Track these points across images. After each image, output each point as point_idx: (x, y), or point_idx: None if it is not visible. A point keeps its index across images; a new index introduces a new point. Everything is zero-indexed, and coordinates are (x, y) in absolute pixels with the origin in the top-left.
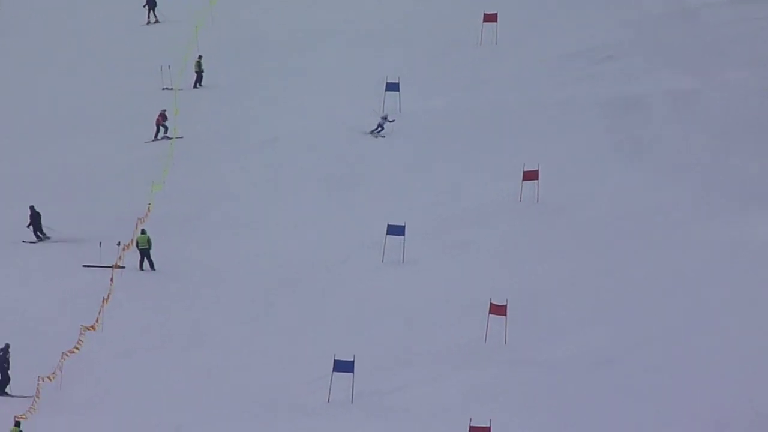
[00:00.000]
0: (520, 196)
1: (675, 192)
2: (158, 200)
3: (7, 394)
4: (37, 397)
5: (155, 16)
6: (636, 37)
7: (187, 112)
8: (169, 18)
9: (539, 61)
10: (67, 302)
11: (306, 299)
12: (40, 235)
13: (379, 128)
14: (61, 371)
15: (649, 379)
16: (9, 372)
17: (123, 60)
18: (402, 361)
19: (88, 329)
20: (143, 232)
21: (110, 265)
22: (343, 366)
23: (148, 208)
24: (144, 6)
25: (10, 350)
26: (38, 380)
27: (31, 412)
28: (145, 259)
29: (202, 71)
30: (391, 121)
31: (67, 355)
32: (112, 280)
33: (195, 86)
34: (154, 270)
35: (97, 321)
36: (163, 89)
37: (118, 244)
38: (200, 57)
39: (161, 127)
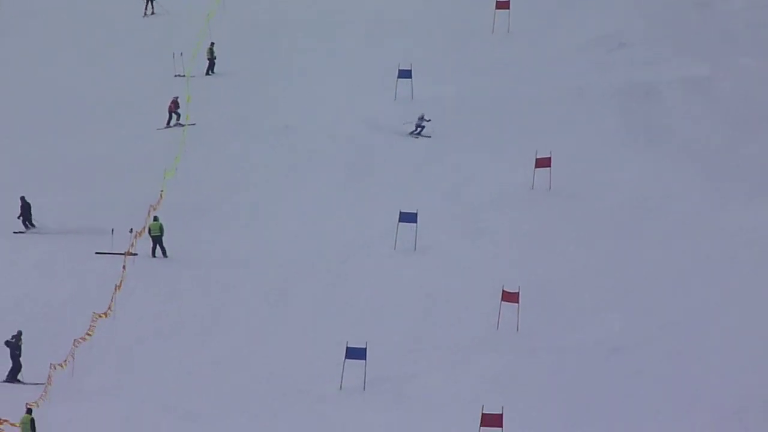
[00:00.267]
0: (532, 184)
1: (688, 179)
2: (171, 187)
3: (19, 381)
4: (49, 385)
5: (152, 8)
6: (649, 25)
7: (199, 99)
8: (181, 5)
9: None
10: (79, 289)
11: (319, 287)
12: (29, 225)
13: (419, 129)
14: (73, 358)
15: (662, 367)
16: (21, 359)
17: (134, 48)
18: (414, 348)
19: (100, 316)
20: (156, 219)
21: (122, 252)
22: (356, 353)
23: (161, 195)
24: None
25: (22, 337)
26: (50, 367)
27: (43, 399)
28: (158, 246)
29: (215, 58)
30: (428, 120)
31: (79, 343)
32: (124, 267)
33: (207, 73)
34: (166, 257)
35: (109, 308)
36: (176, 76)
37: (131, 231)
38: (212, 44)
39: (174, 114)
